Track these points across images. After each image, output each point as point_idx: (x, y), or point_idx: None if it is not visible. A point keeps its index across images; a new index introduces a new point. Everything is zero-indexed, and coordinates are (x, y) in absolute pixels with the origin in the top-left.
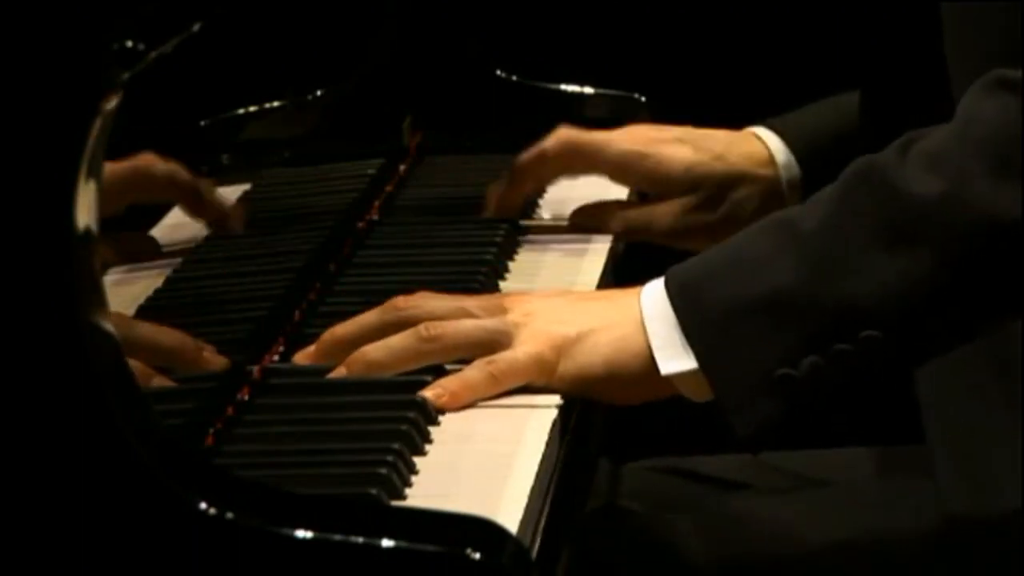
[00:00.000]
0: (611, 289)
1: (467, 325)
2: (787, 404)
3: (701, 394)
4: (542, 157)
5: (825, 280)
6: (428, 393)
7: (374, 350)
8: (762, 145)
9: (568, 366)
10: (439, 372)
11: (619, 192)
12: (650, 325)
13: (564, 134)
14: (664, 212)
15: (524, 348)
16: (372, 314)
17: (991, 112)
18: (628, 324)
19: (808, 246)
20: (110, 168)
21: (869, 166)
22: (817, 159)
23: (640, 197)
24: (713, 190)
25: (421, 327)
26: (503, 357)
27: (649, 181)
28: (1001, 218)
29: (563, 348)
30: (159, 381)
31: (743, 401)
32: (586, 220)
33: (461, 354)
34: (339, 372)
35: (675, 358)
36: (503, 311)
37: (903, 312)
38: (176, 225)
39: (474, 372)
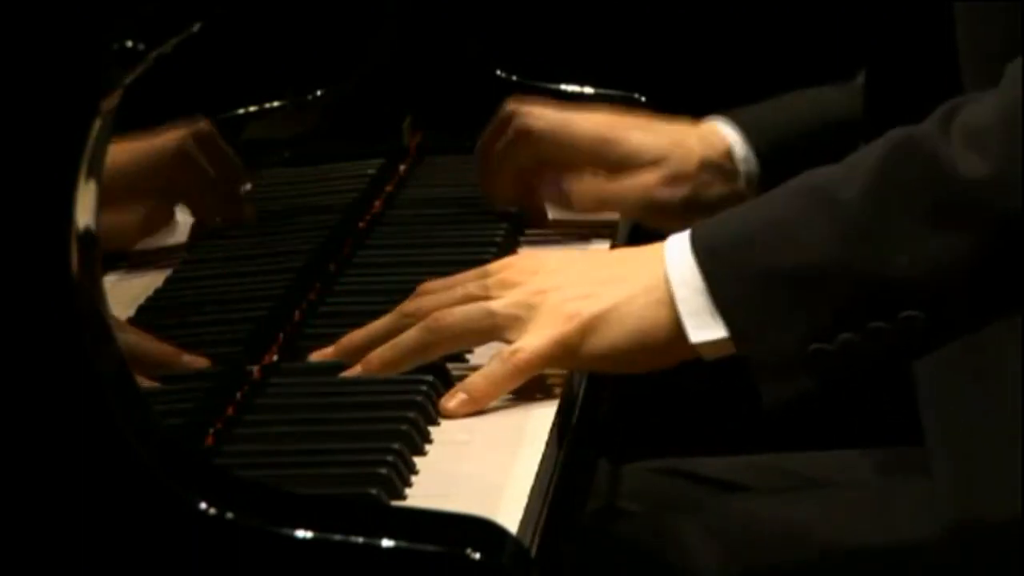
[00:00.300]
0: (628, 248)
1: (475, 312)
2: (819, 378)
3: (721, 354)
4: (506, 145)
5: (865, 255)
6: (451, 403)
7: (384, 349)
8: (721, 137)
9: (594, 345)
10: (439, 372)
11: None
12: (678, 291)
13: (520, 120)
14: (633, 187)
15: (546, 332)
16: (387, 320)
17: None
18: (653, 291)
19: (848, 217)
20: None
21: (911, 139)
22: (774, 154)
23: None
24: (677, 170)
25: (429, 320)
26: (525, 347)
27: (614, 165)
28: None
29: (586, 327)
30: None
31: (775, 374)
32: (556, 195)
33: (472, 342)
34: (353, 371)
35: (705, 327)
36: (511, 285)
37: (944, 292)
38: (176, 224)
39: (498, 367)
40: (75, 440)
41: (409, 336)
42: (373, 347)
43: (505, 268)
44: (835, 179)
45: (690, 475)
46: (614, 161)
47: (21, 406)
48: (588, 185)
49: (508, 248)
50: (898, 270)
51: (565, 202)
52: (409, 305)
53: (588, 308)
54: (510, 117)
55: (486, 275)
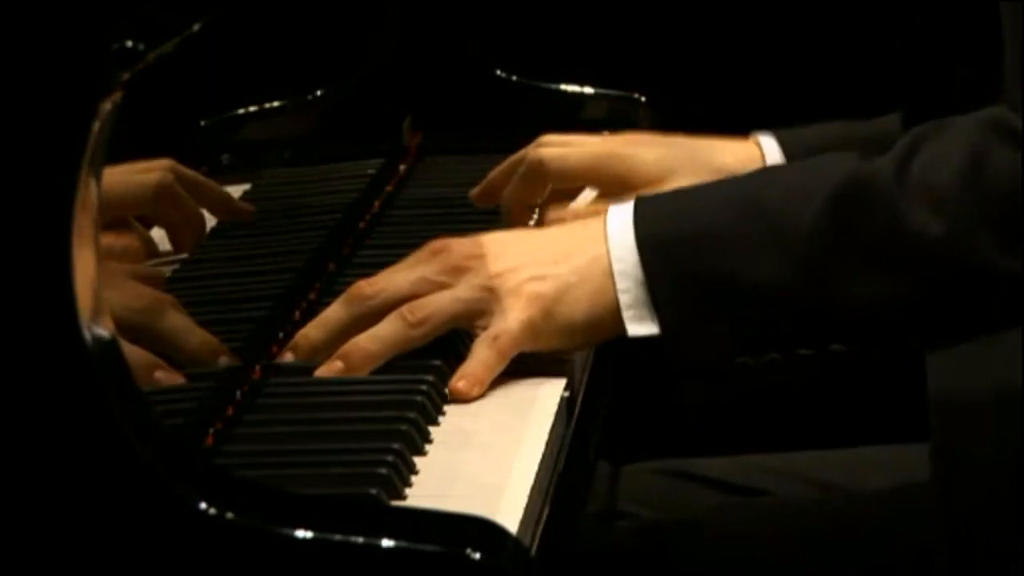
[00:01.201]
0: (567, 224)
1: (446, 301)
2: (735, 385)
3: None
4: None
5: (807, 286)
6: (460, 385)
7: (366, 341)
8: (758, 150)
9: (554, 325)
10: (439, 372)
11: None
12: (620, 281)
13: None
14: None
15: (515, 315)
16: (338, 309)
17: (1000, 162)
18: (598, 274)
19: (795, 246)
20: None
21: (867, 180)
22: None
23: None
24: (690, 181)
25: (405, 311)
26: (503, 331)
27: (618, 182)
28: (999, 270)
29: (547, 308)
30: (162, 375)
31: (695, 373)
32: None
33: (444, 330)
34: (332, 369)
35: (641, 321)
36: (465, 271)
37: (876, 332)
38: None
39: (485, 352)
40: (75, 440)
41: (389, 328)
42: (338, 340)
43: (444, 252)
44: (789, 200)
45: (690, 476)
46: (619, 176)
47: (21, 406)
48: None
49: None
50: (836, 306)
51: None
52: (366, 286)
53: (545, 290)
54: (523, 157)
55: (427, 261)
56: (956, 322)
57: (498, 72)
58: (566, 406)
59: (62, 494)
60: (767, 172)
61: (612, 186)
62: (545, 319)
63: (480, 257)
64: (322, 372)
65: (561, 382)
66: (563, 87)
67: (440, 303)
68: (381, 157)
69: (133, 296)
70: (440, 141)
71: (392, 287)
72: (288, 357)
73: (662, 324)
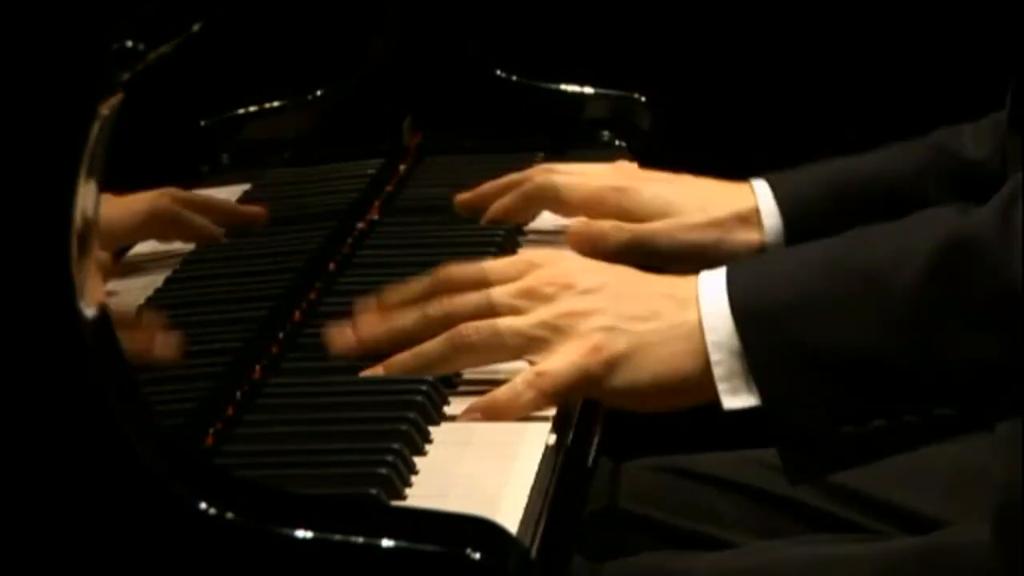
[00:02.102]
0: (662, 276)
1: (503, 331)
2: (843, 456)
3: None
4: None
5: (910, 350)
6: (478, 412)
7: (407, 357)
8: (753, 200)
9: (616, 382)
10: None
11: None
12: (714, 353)
13: (539, 178)
14: (664, 231)
15: (571, 360)
16: (422, 286)
17: None
18: (686, 340)
19: (897, 309)
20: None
21: (970, 236)
22: (800, 220)
23: None
24: (699, 219)
25: (455, 334)
26: (550, 371)
27: (616, 214)
28: None
29: (612, 363)
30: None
31: (801, 448)
32: (583, 238)
33: (496, 360)
34: (375, 371)
35: (738, 393)
36: (541, 299)
37: (983, 394)
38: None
39: (523, 388)
40: (76, 440)
41: (433, 348)
42: (394, 344)
43: (536, 269)
44: (887, 262)
45: (691, 473)
46: (619, 208)
47: (21, 406)
48: (621, 226)
49: (508, 248)
50: (941, 368)
51: (594, 239)
52: (435, 307)
53: (616, 343)
54: (526, 177)
55: (517, 273)
56: None
57: (498, 72)
58: (567, 406)
59: (62, 494)
60: (861, 234)
61: (609, 217)
62: (606, 372)
63: (565, 287)
64: (364, 374)
65: None
66: (563, 87)
67: (496, 332)
68: (381, 157)
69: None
70: (440, 141)
71: (470, 304)
72: (365, 315)
73: (762, 397)
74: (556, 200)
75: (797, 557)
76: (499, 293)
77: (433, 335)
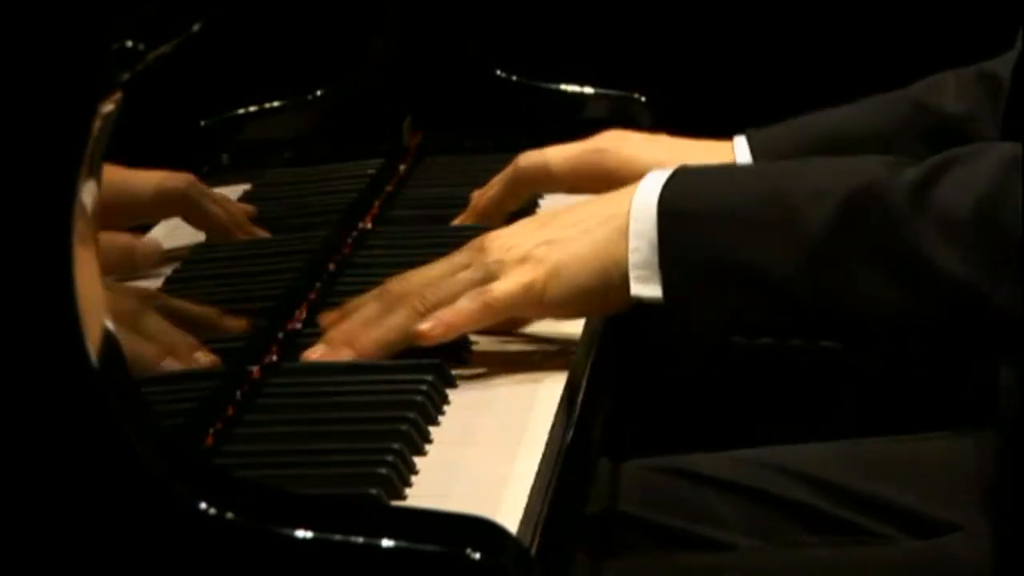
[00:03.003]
0: (600, 195)
1: (452, 283)
2: (726, 361)
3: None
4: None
5: (811, 282)
6: (424, 326)
7: (378, 333)
8: (731, 158)
9: (555, 290)
10: (439, 372)
11: None
12: (633, 240)
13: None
14: None
15: (513, 277)
16: (372, 305)
17: (1019, 205)
18: (611, 231)
19: (804, 241)
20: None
21: (881, 193)
22: None
23: None
24: None
25: (415, 300)
26: (495, 287)
27: (604, 177)
28: (1001, 309)
29: (550, 272)
30: (169, 363)
31: (690, 340)
32: None
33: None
34: (344, 354)
35: (647, 282)
36: (483, 251)
37: (871, 339)
38: (176, 225)
39: (467, 302)
40: (75, 440)
41: (398, 318)
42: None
43: (470, 245)
44: (808, 193)
45: (690, 474)
46: (605, 171)
47: (21, 406)
48: None
49: None
50: (837, 305)
51: None
52: (395, 283)
53: (551, 254)
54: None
55: (459, 253)
56: (948, 342)
57: (498, 72)
58: (566, 405)
59: (62, 494)
60: (800, 163)
61: (598, 183)
62: (549, 282)
63: (497, 237)
64: (330, 356)
65: (561, 381)
66: (563, 87)
67: (447, 285)
68: (381, 157)
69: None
70: (440, 141)
71: (420, 278)
72: (320, 349)
73: (665, 288)
74: (544, 176)
75: (796, 558)
76: (452, 261)
77: None
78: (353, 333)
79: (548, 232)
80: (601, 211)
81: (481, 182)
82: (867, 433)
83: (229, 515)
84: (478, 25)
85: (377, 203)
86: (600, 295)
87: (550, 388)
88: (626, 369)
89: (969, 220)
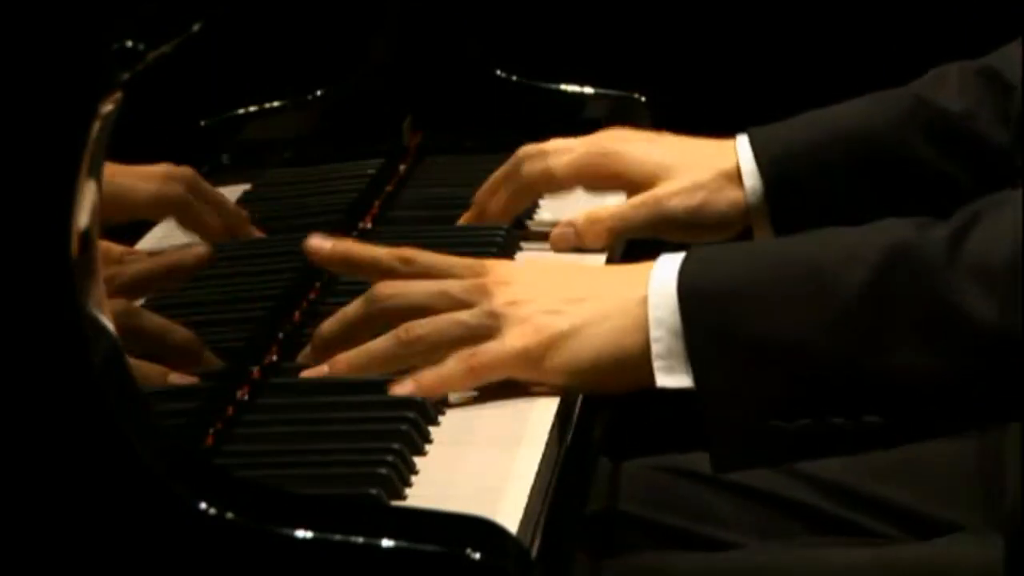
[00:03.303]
0: (612, 267)
1: (446, 324)
2: (768, 454)
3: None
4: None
5: (846, 352)
6: (399, 389)
7: (356, 356)
8: (734, 157)
9: (556, 362)
10: None
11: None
12: (654, 330)
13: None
14: (640, 205)
15: (510, 341)
16: (356, 306)
17: None
18: (628, 318)
19: (837, 311)
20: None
21: (916, 251)
22: (779, 178)
23: None
24: (686, 181)
25: (400, 330)
26: (486, 350)
27: (611, 178)
28: None
29: (551, 342)
30: (175, 378)
31: (729, 437)
32: (564, 235)
33: (445, 352)
34: (319, 372)
35: (672, 373)
36: (486, 294)
37: (911, 406)
38: (171, 227)
39: (453, 364)
40: (75, 440)
41: (380, 345)
42: (351, 337)
43: (478, 271)
44: (835, 262)
45: (690, 473)
46: (612, 173)
47: (21, 406)
48: (594, 218)
49: (509, 248)
50: (873, 375)
51: (575, 240)
52: (386, 287)
53: (557, 324)
54: (508, 173)
55: (459, 277)
56: (993, 404)
57: (498, 72)
58: (566, 405)
59: (62, 494)
60: (818, 233)
61: (605, 184)
62: (547, 352)
63: (507, 284)
64: (308, 374)
65: None
66: (563, 87)
67: (439, 324)
68: (381, 157)
69: None
70: (440, 141)
71: (411, 295)
72: (305, 352)
73: (695, 379)
74: (548, 181)
75: (797, 558)
76: (450, 288)
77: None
78: (331, 349)
79: (558, 298)
80: (615, 292)
81: (481, 182)
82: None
83: (229, 515)
84: (478, 25)
85: (377, 203)
86: (606, 376)
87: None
88: None
89: (1005, 268)
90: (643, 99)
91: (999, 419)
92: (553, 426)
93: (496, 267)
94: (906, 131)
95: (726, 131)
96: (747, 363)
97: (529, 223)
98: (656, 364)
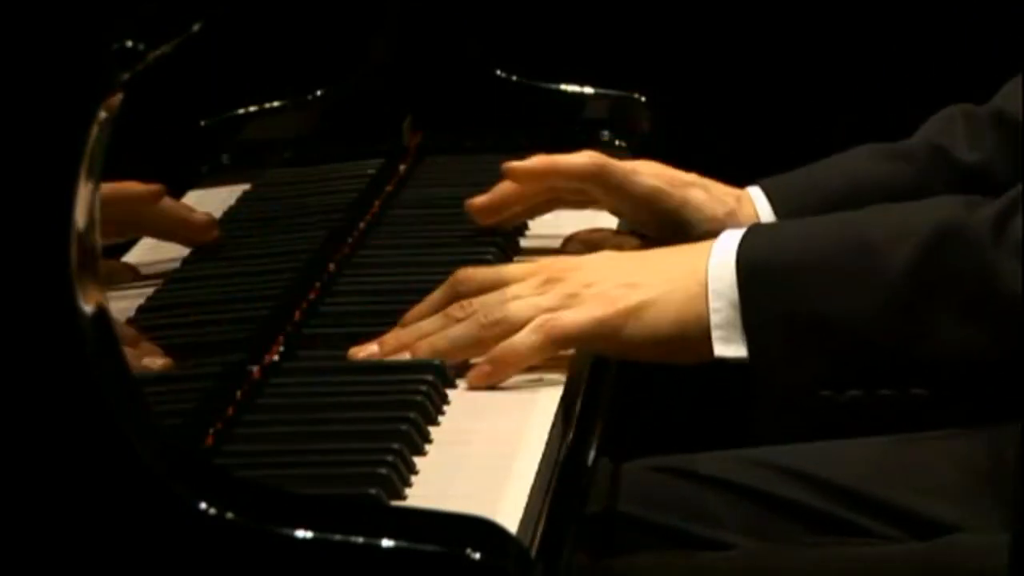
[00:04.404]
0: (672, 247)
1: (525, 307)
2: (816, 422)
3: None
4: (565, 169)
5: (895, 328)
6: (476, 372)
7: (438, 340)
8: (754, 204)
9: (634, 331)
10: (439, 372)
11: (606, 221)
12: (713, 301)
13: (593, 155)
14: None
15: (589, 311)
16: (440, 293)
17: None
18: (692, 290)
19: (889, 288)
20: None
21: (964, 231)
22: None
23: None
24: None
25: (480, 315)
26: (563, 316)
27: (668, 222)
28: None
29: (629, 313)
30: (151, 361)
31: (778, 405)
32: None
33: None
34: (403, 355)
35: (730, 342)
36: (560, 280)
37: (956, 380)
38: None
39: (530, 334)
40: (75, 440)
41: (461, 330)
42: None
43: (545, 269)
44: (888, 237)
45: (691, 474)
46: (669, 210)
47: (21, 406)
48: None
49: (509, 248)
50: (921, 350)
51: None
52: (456, 308)
53: (633, 296)
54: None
55: (529, 275)
56: None
57: (498, 72)
58: (566, 405)
59: (62, 494)
60: (877, 209)
61: (663, 220)
62: (623, 322)
63: (576, 269)
64: (388, 354)
65: (562, 381)
66: (563, 87)
67: (519, 307)
68: (381, 157)
69: None
70: (440, 141)
71: (491, 285)
72: (389, 339)
73: (750, 350)
74: (619, 188)
75: (796, 558)
76: (521, 291)
77: None
78: (411, 339)
79: (628, 275)
80: (680, 265)
81: (481, 182)
82: (867, 433)
83: (229, 515)
84: (478, 25)
85: (377, 203)
86: (679, 345)
87: (550, 388)
88: (626, 369)
89: None
90: (643, 99)
91: None
92: (553, 426)
93: (559, 260)
94: (927, 184)
95: (726, 131)
96: (800, 335)
97: (521, 240)
98: (715, 334)
